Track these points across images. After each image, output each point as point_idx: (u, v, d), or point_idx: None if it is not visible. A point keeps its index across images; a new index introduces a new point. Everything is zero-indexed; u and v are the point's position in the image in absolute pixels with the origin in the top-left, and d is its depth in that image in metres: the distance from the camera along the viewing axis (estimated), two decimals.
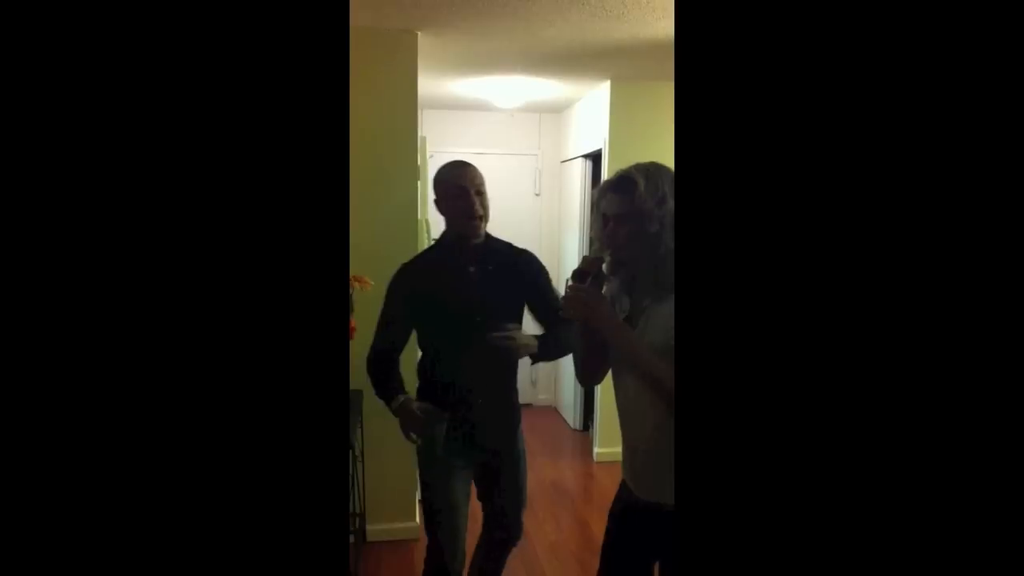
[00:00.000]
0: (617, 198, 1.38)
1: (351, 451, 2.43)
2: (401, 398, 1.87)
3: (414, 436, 1.89)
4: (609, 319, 1.41)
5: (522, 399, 2.09)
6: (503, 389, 1.99)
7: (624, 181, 1.38)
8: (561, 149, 4.91)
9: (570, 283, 1.43)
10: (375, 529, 2.99)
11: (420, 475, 2.01)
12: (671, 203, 1.34)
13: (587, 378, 1.64)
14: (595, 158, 4.23)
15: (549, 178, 5.02)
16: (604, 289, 1.48)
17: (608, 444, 3.99)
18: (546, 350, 1.94)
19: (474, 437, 1.94)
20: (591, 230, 1.48)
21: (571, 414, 4.71)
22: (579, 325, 1.54)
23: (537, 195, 5.03)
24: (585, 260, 1.45)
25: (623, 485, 1.56)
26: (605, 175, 3.81)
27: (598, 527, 3.22)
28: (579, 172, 4.43)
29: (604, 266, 1.45)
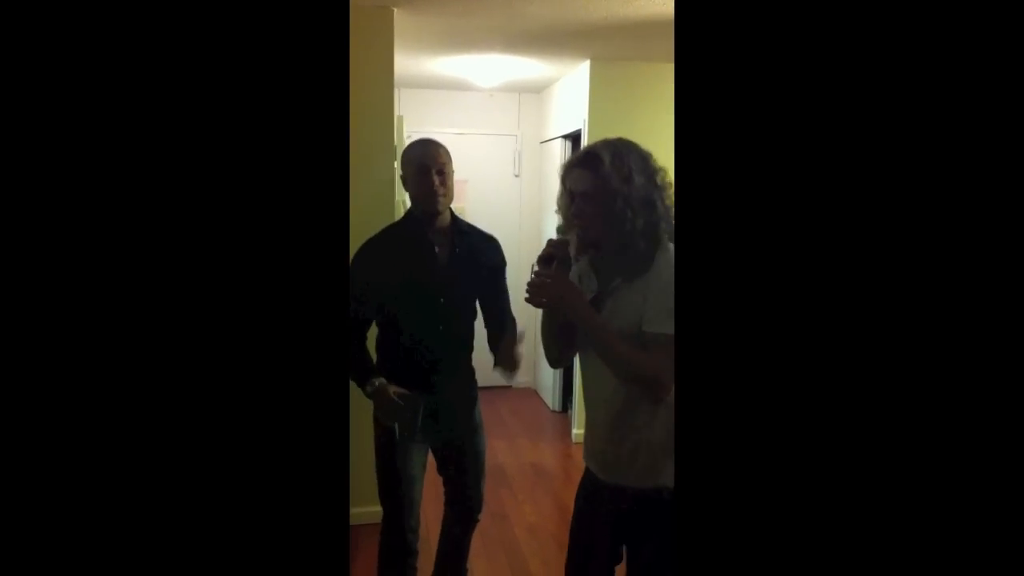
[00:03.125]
0: (583, 174, 1.37)
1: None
2: (376, 382, 1.85)
3: (391, 423, 1.87)
4: (575, 304, 1.38)
5: (501, 381, 2.10)
6: (461, 365, 2.04)
7: (589, 157, 1.36)
8: (541, 129, 4.87)
9: (535, 268, 1.40)
10: (358, 512, 2.98)
11: (377, 448, 2.02)
12: (638, 180, 1.33)
13: (556, 359, 1.63)
14: (575, 139, 4.20)
15: (529, 159, 4.98)
16: (571, 271, 1.45)
17: None
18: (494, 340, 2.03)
19: (436, 413, 1.95)
20: (558, 208, 1.46)
21: (550, 396, 4.72)
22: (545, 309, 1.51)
23: (517, 176, 4.99)
24: (550, 244, 1.42)
25: (587, 470, 1.56)
26: None
27: None
28: (559, 153, 4.39)
29: (571, 247, 1.42)
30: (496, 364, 1.99)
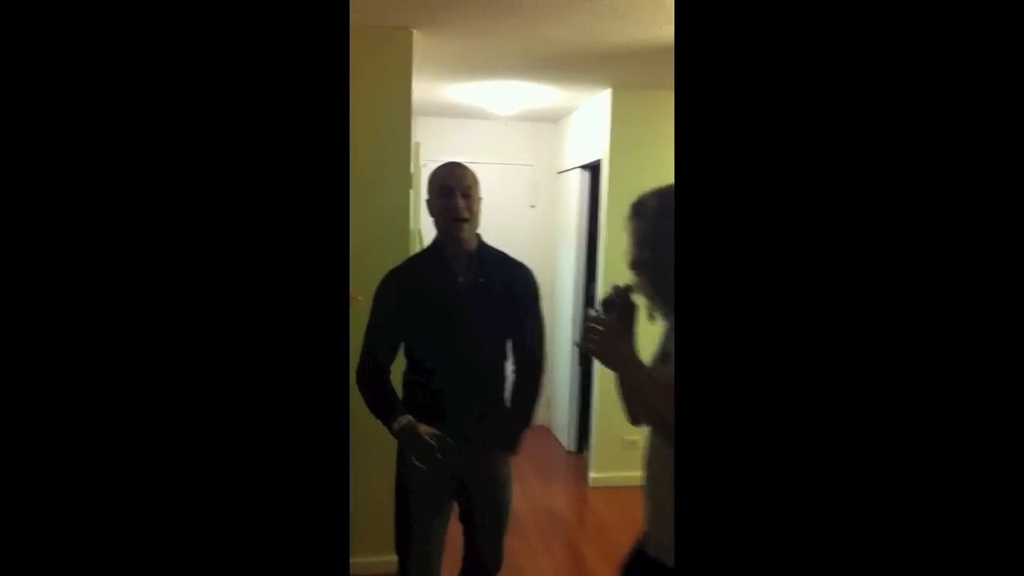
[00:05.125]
0: (636, 224, 1.33)
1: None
2: (404, 420, 1.71)
3: (423, 465, 1.71)
4: (622, 358, 1.28)
5: None
6: (491, 404, 1.87)
7: (638, 205, 1.33)
8: (557, 160, 4.77)
9: (592, 313, 1.31)
10: (358, 563, 2.80)
11: (397, 493, 1.86)
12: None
13: (634, 416, 1.45)
14: (594, 168, 4.08)
15: (545, 189, 4.86)
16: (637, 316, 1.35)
17: (604, 468, 3.81)
18: (515, 399, 1.90)
19: (461, 456, 1.78)
20: (627, 260, 1.39)
21: (565, 435, 4.52)
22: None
23: (532, 207, 4.88)
24: (614, 289, 1.34)
25: (642, 538, 1.38)
26: (605, 186, 3.67)
27: (594, 557, 3.04)
28: (577, 183, 4.27)
29: (633, 294, 1.33)
30: (491, 438, 1.82)
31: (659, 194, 1.30)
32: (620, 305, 1.32)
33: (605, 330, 1.28)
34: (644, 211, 1.30)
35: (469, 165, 1.83)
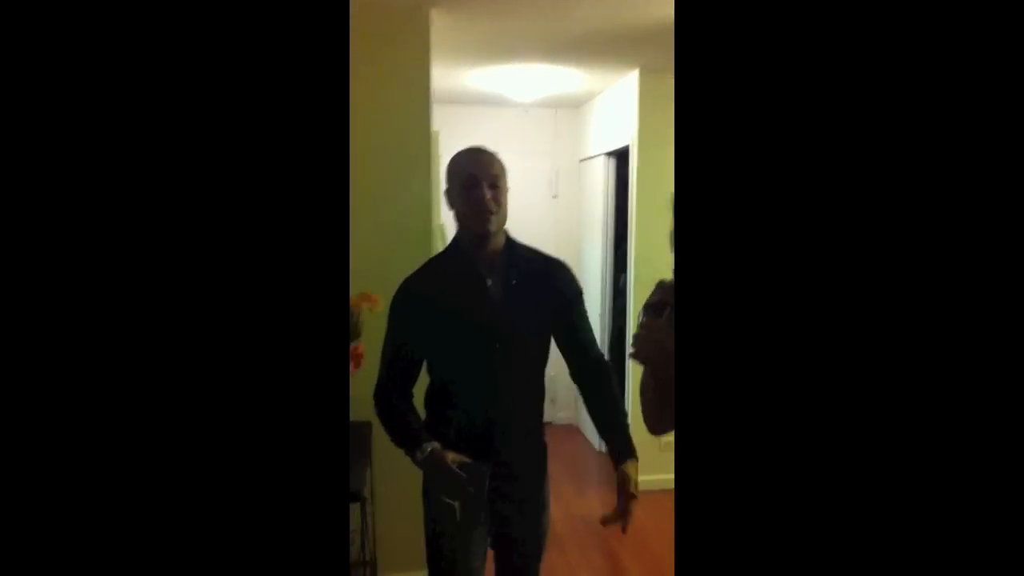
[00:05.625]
0: None
1: (357, 494, 2.07)
2: (428, 448, 1.50)
3: (449, 500, 1.51)
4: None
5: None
6: (529, 426, 1.67)
7: None
8: (579, 147, 4.56)
9: (643, 319, 1.14)
10: None
11: (428, 535, 1.66)
12: None
13: (657, 425, 1.31)
14: (621, 155, 3.87)
15: (567, 178, 4.66)
16: None
17: (641, 471, 3.60)
18: (598, 408, 1.70)
19: (500, 487, 1.58)
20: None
21: (595, 434, 4.34)
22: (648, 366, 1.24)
23: (554, 197, 4.68)
24: (661, 287, 1.16)
25: None
26: (633, 173, 3.46)
27: (637, 569, 2.86)
28: (601, 171, 4.07)
29: None
30: (607, 517, 1.60)
31: None
32: (672, 304, 1.15)
33: (661, 333, 1.12)
34: None
35: None
